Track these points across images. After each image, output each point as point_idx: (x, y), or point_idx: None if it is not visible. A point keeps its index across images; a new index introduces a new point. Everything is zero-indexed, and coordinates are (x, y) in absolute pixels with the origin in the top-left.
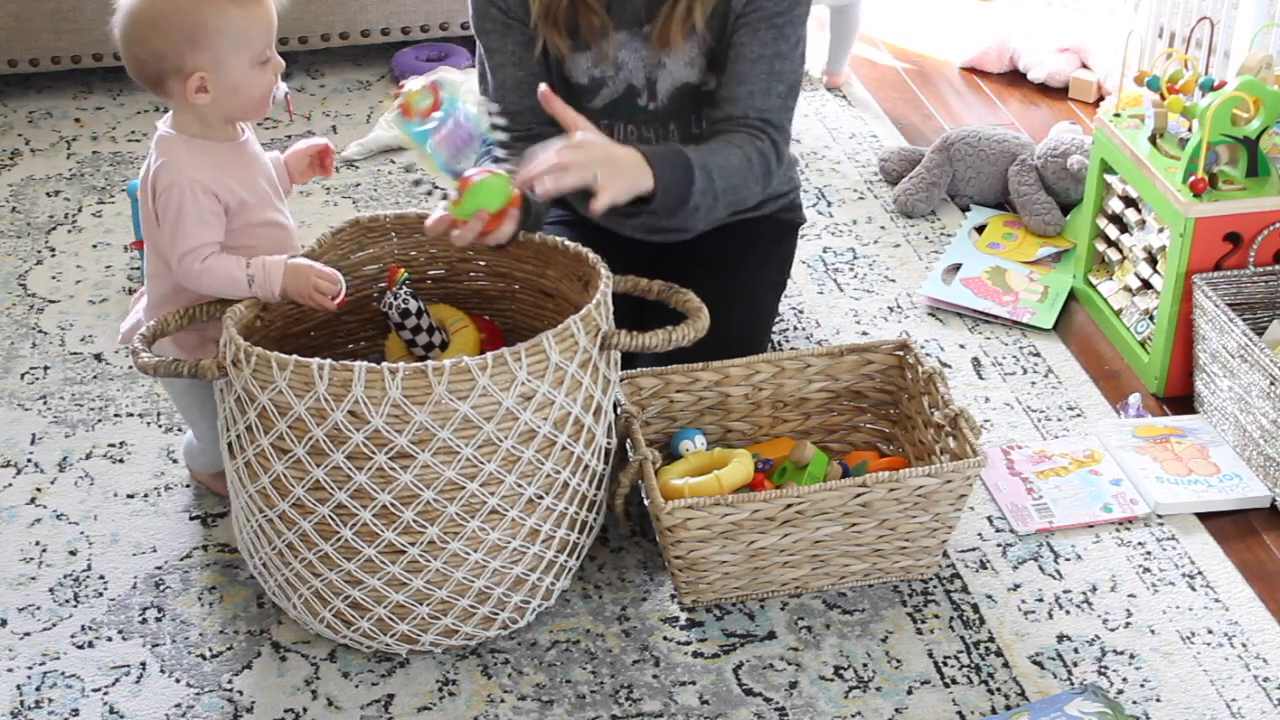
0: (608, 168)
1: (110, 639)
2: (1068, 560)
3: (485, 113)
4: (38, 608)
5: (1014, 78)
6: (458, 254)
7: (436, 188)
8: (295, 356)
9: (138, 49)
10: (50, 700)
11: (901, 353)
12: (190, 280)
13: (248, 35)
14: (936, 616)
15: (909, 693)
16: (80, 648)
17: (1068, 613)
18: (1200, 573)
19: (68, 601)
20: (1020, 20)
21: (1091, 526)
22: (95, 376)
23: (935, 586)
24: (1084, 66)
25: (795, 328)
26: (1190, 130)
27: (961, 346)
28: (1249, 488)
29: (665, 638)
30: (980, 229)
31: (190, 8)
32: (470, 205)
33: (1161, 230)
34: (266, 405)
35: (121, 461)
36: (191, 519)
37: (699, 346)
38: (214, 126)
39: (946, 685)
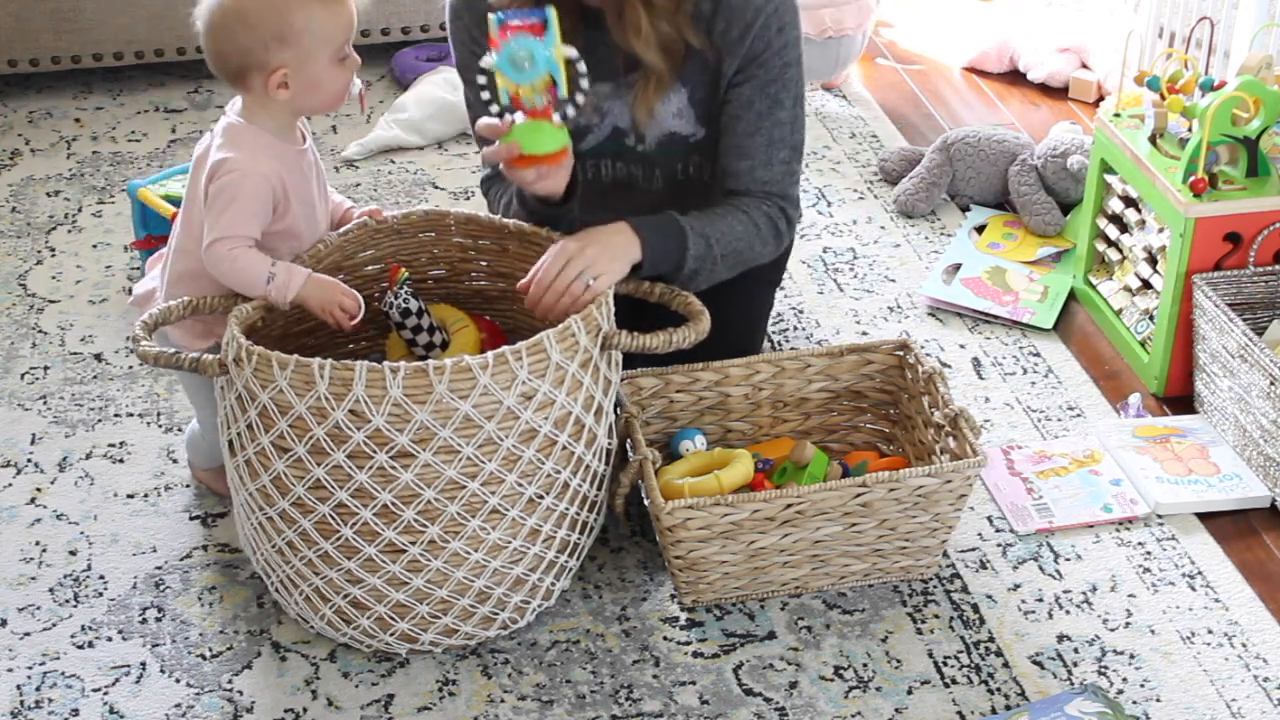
0: (599, 260)
1: (110, 639)
2: (1068, 560)
3: (574, 75)
4: (38, 608)
5: (1014, 78)
6: (459, 254)
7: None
8: (296, 356)
9: (224, 44)
10: (50, 700)
11: (901, 353)
12: (212, 263)
13: (330, 33)
14: (936, 616)
15: (909, 693)
16: (80, 648)
17: (1068, 613)
18: (1200, 573)
19: (68, 601)
20: (1020, 20)
21: (1091, 526)
22: (95, 376)
23: (935, 586)
24: (1084, 66)
25: (795, 328)
26: (1190, 130)
27: (961, 346)
28: (1249, 488)
29: (665, 638)
30: (980, 229)
31: (280, 6)
32: (512, 135)
33: (1161, 230)
34: (267, 404)
35: (121, 461)
36: (191, 519)
37: (695, 347)
38: (283, 125)
39: (946, 685)
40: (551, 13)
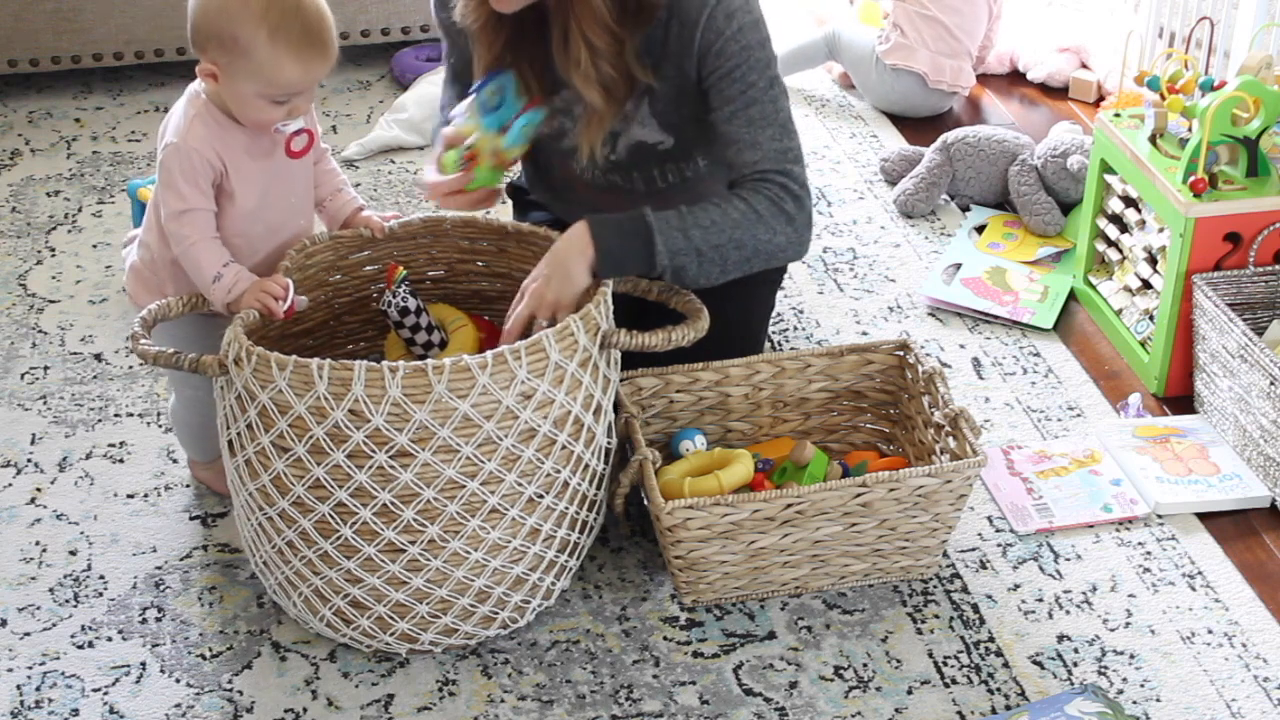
0: (559, 294)
1: (110, 639)
2: (1068, 560)
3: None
4: (38, 608)
5: (1014, 78)
6: (457, 254)
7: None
8: (295, 356)
9: (190, 11)
10: (50, 700)
11: (901, 353)
12: (174, 242)
13: (265, 75)
14: (936, 616)
15: (909, 693)
16: (80, 648)
17: (1068, 613)
18: (1200, 573)
19: (68, 601)
20: (1020, 20)
21: (1091, 526)
22: (95, 376)
23: (935, 586)
24: (1084, 66)
25: (795, 328)
26: (1190, 130)
27: (961, 346)
28: (1249, 488)
29: (665, 638)
30: (980, 229)
31: (235, 14)
32: (478, 182)
33: (1161, 230)
34: (267, 404)
35: (121, 461)
36: (191, 519)
37: (695, 345)
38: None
39: (946, 685)
40: (509, 78)
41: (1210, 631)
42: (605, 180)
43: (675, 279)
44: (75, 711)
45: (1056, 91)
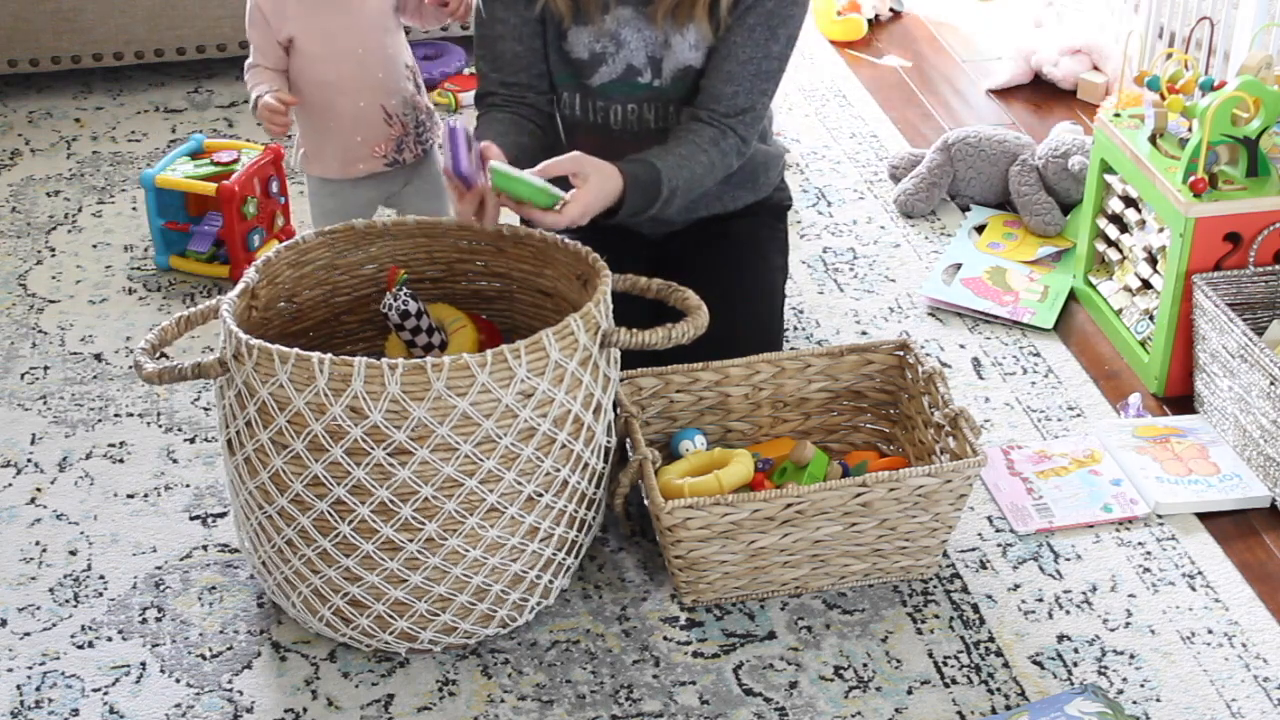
0: (588, 216)
1: (110, 639)
2: (1068, 560)
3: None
4: (38, 608)
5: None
6: (456, 254)
7: None
8: (296, 350)
9: None
10: (50, 700)
11: (901, 353)
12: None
13: None
14: (936, 616)
15: (909, 693)
16: (80, 648)
17: (1068, 613)
18: (1200, 573)
19: (68, 601)
20: (1034, 25)
21: (1091, 526)
22: (95, 376)
23: (935, 586)
24: (1095, 69)
25: (795, 328)
26: (1190, 130)
27: (961, 346)
28: (1249, 488)
29: (665, 638)
30: (980, 229)
31: None
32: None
33: (1161, 230)
34: (266, 399)
35: (121, 461)
36: (191, 519)
37: (725, 336)
38: None
39: (946, 685)
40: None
41: (1210, 631)
42: (637, 117)
43: (633, 221)
44: (75, 711)
45: (1059, 92)
